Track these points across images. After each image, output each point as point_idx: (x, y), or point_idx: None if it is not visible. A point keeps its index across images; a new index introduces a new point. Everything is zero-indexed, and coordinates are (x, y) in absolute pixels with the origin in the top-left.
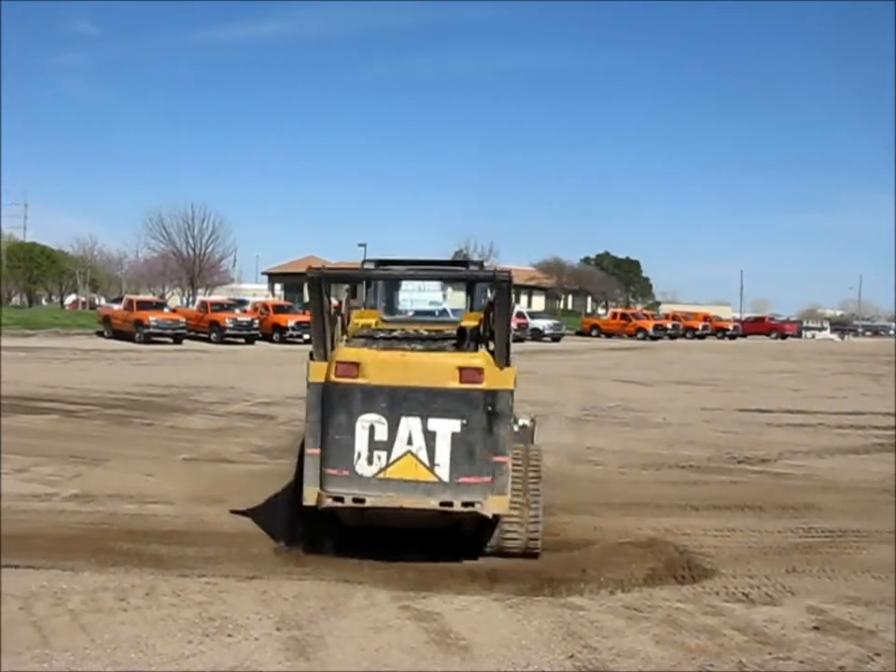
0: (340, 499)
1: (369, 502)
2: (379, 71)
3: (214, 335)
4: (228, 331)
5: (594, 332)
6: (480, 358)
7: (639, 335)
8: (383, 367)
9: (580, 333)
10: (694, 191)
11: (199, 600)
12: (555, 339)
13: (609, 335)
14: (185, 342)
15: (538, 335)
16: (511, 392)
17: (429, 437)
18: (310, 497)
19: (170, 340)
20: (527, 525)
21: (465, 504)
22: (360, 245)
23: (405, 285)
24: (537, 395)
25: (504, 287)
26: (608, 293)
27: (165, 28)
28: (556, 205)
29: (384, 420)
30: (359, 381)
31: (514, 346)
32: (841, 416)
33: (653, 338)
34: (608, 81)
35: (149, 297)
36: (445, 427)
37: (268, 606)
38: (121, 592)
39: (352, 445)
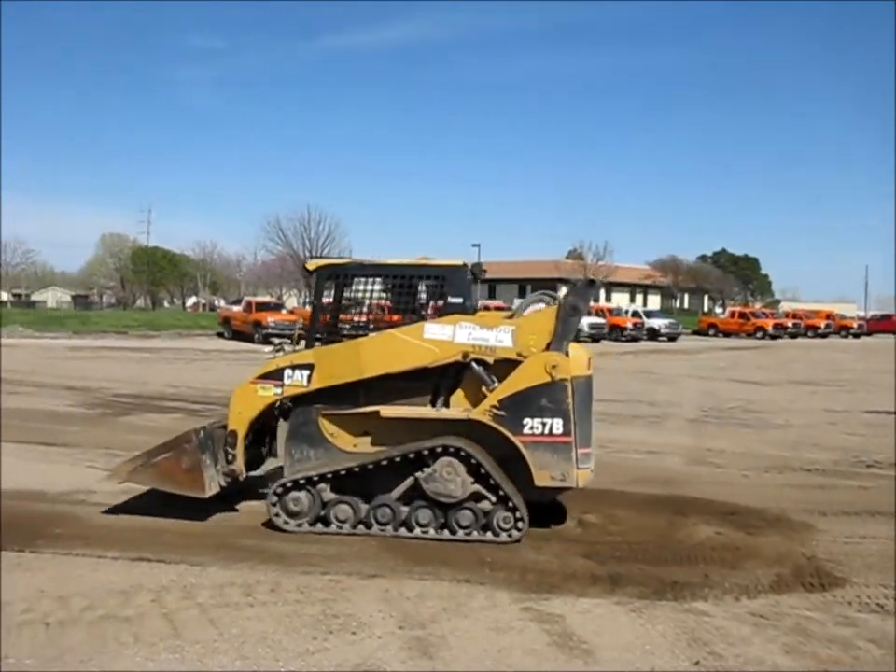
0: None
1: None
2: (495, 72)
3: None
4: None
5: (711, 331)
6: None
7: (758, 334)
8: None
9: (696, 332)
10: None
11: (322, 597)
12: (672, 338)
13: (727, 334)
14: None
15: (653, 334)
16: None
17: None
18: None
19: (288, 340)
20: None
21: None
22: (474, 245)
23: None
24: (654, 395)
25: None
26: (725, 291)
27: (284, 37)
28: (673, 202)
29: None
30: None
31: (631, 346)
32: None
33: (773, 337)
34: (713, 76)
35: (267, 298)
36: None
37: (390, 604)
38: (247, 587)
39: None
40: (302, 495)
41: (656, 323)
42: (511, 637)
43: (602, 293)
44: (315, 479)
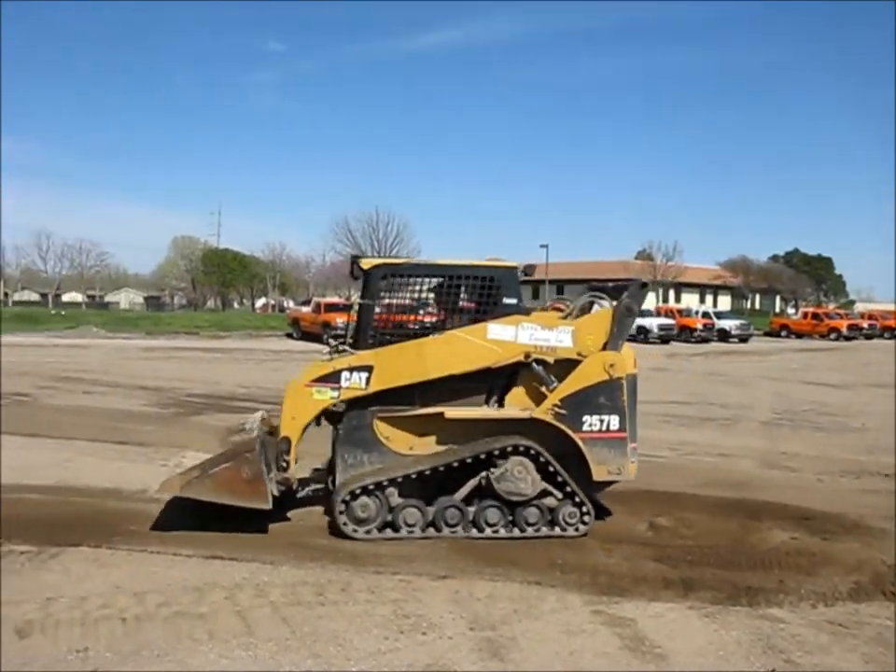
0: None
1: None
2: (561, 73)
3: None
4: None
5: (783, 333)
6: None
7: (832, 336)
8: None
9: (768, 334)
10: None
11: (393, 597)
12: (743, 339)
13: (799, 335)
14: None
15: (724, 336)
16: None
17: None
18: None
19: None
20: None
21: None
22: (542, 245)
23: None
24: (726, 397)
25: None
26: (797, 292)
27: (347, 40)
28: (744, 202)
29: None
30: None
31: (701, 347)
32: None
33: (847, 338)
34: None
35: (336, 299)
36: None
37: (460, 605)
38: (319, 587)
39: None
40: (371, 501)
41: (727, 324)
42: (583, 640)
43: (671, 294)
44: (385, 483)
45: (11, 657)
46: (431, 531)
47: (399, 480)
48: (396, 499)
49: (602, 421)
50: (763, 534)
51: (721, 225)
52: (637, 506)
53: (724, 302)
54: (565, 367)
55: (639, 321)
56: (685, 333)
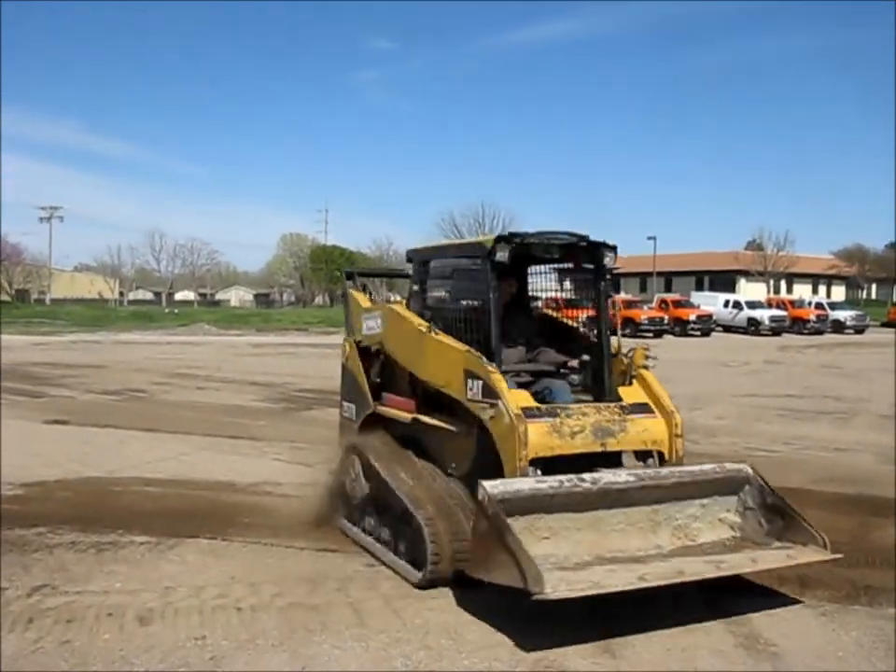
0: None
1: None
2: (662, 66)
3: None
4: None
5: None
6: None
7: None
8: None
9: (886, 324)
10: None
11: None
12: (858, 331)
13: None
14: None
15: (839, 327)
16: None
17: None
18: None
19: None
20: None
21: None
22: (650, 238)
23: None
24: (842, 390)
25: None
26: None
27: (453, 36)
28: (858, 188)
29: None
30: None
31: (813, 339)
32: None
33: None
34: None
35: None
36: None
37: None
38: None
39: None
40: None
41: (841, 315)
42: (697, 637)
43: (783, 285)
44: None
45: (133, 643)
46: None
47: None
48: None
49: None
50: (883, 531)
51: (836, 214)
52: None
53: (839, 293)
54: None
55: (750, 313)
56: (798, 325)
